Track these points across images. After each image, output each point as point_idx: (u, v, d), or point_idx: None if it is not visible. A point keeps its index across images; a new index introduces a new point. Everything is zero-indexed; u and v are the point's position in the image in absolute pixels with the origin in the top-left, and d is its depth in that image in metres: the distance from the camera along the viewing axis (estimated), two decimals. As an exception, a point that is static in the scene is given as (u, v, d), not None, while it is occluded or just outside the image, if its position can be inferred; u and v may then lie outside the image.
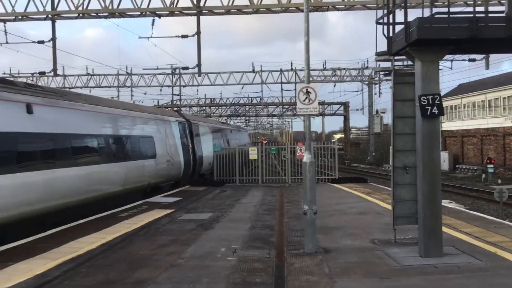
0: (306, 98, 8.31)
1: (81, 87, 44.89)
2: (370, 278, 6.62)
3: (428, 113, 7.50)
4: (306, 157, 8.25)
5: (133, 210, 13.58)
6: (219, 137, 29.80)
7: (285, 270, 7.15)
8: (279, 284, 6.46)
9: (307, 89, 8.30)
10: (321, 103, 57.31)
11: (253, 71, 46.40)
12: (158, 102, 55.94)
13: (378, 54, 8.91)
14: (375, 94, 51.49)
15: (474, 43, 7.49)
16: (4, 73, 41.47)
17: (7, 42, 22.17)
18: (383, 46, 8.60)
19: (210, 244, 8.97)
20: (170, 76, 45.21)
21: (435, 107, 7.51)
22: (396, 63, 9.17)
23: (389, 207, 12.51)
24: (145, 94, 49.56)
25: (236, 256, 8.00)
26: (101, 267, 7.41)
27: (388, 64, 10.30)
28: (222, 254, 8.19)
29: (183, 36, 22.46)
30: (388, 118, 49.92)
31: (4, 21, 20.98)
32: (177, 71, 43.12)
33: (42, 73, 32.17)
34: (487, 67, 24.79)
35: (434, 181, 7.65)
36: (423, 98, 7.52)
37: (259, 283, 6.48)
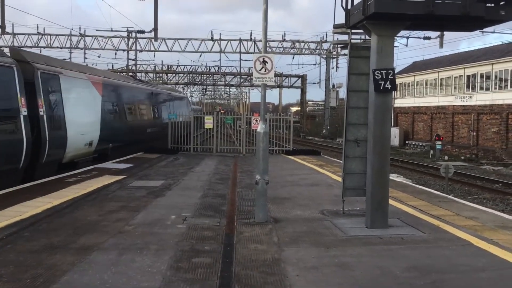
0: (262, 67, 8.22)
1: (31, 47, 42.93)
2: (317, 247, 6.73)
3: (381, 88, 7.58)
4: (260, 127, 8.21)
5: (82, 175, 13.26)
6: (121, 100, 19.94)
7: (234, 238, 7.17)
8: (228, 252, 6.47)
9: (263, 59, 8.20)
10: (279, 75, 57.32)
11: (212, 39, 45.65)
12: (112, 66, 54.48)
13: (335, 26, 8.93)
14: (332, 68, 51.87)
15: (430, 19, 7.57)
16: None
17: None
18: (342, 19, 8.61)
19: (160, 211, 8.88)
20: (126, 40, 43.88)
21: (388, 82, 7.60)
22: (353, 37, 9.20)
23: (340, 179, 12.77)
24: (99, 57, 48.05)
25: (186, 224, 7.96)
26: (45, 232, 7.20)
27: (345, 38, 10.30)
28: (172, 221, 8.12)
29: (140, -2, 21.71)
30: (344, 93, 50.59)
31: None
32: (133, 34, 41.91)
33: (-12, 30, 30.47)
34: (441, 45, 25.32)
35: (384, 155, 7.80)
36: (377, 73, 7.58)
37: (208, 251, 6.47)
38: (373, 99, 7.73)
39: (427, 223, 8.18)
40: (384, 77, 7.56)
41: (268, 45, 45.00)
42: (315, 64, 53.36)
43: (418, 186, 13.45)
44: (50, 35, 44.17)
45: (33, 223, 7.73)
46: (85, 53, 44.65)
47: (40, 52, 39.20)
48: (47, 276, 5.37)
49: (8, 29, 40.43)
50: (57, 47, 44.23)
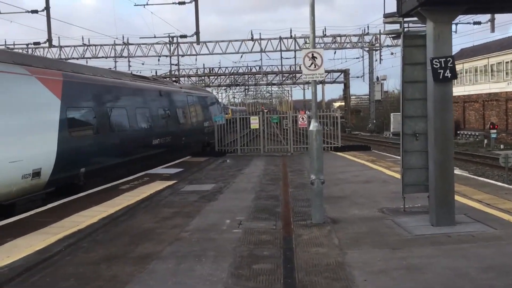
0: (312, 63, 7.93)
1: (77, 58, 44.16)
2: (381, 248, 6.40)
3: (441, 77, 7.15)
4: (313, 125, 7.93)
5: (134, 182, 13.35)
6: (101, 104, 14.17)
7: (293, 241, 6.92)
8: (288, 256, 6.24)
9: (313, 54, 7.91)
10: (321, 71, 56.56)
11: (252, 39, 45.59)
12: (156, 72, 55.31)
13: (386, 16, 8.50)
14: (376, 60, 50.80)
15: (488, 2, 7.08)
16: (-1, 45, 40.68)
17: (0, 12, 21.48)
18: (391, 8, 8.22)
19: (214, 216, 8.75)
20: (168, 45, 44.43)
21: (448, 70, 7.16)
22: (395, 26, 8.78)
23: (395, 174, 12.31)
24: (142, 64, 48.91)
25: (242, 228, 7.78)
26: (103, 242, 7.19)
27: (395, 27, 9.87)
28: (227, 226, 7.96)
29: (180, 3, 21.83)
30: (388, 85, 49.46)
31: (-5, -10, 20.32)
32: (175, 40, 42.37)
33: (36, 44, 31.53)
34: (493, 30, 24.14)
35: (446, 147, 7.36)
36: (435, 61, 7.16)
37: (267, 256, 6.26)
38: (432, 90, 7.30)
39: (497, 218, 7.67)
40: (443, 66, 7.13)
41: (308, 41, 44.74)
42: (357, 58, 52.47)
43: (480, 178, 12.79)
44: (95, 45, 45.27)
45: (90, 233, 7.74)
46: (129, 61, 45.59)
47: (86, 63, 40.16)
48: (108, 288, 5.29)
49: (55, 42, 41.74)
50: (102, 57, 45.30)
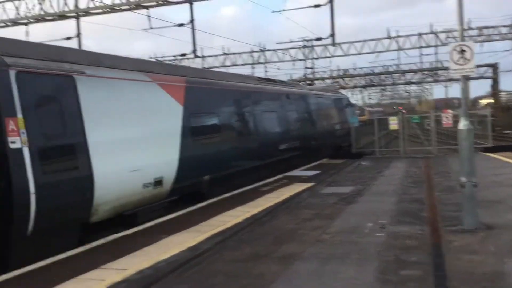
0: (460, 57, 7.41)
1: (218, 67, 46.62)
2: (548, 259, 5.73)
3: None
4: (463, 124, 7.39)
5: (274, 184, 13.66)
6: (220, 109, 13.46)
7: (442, 248, 6.51)
8: (438, 263, 5.87)
9: (461, 48, 7.39)
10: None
11: (389, 37, 44.05)
12: (291, 76, 56.20)
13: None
14: (531, 52, 45.90)
15: None
16: (150, 57, 44.58)
17: (151, 28, 23.51)
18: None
19: (355, 218, 8.59)
20: (303, 49, 44.90)
21: None
22: None
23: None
24: (278, 69, 49.98)
25: (385, 232, 7.52)
26: (248, 241, 7.44)
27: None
28: (370, 229, 7.76)
29: (316, 6, 21.92)
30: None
31: (147, 7, 22.27)
32: (310, 43, 42.65)
33: (183, 55, 33.97)
34: None
35: None
36: None
37: (415, 262, 5.96)
38: None
39: None
40: None
41: (451, 35, 41.77)
42: (508, 50, 47.87)
43: None
44: (234, 54, 47.40)
45: (236, 232, 8.07)
46: (265, 67, 46.94)
47: (227, 70, 42.20)
48: (255, 285, 5.45)
49: (199, 52, 44.59)
50: (241, 64, 47.25)
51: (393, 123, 20.70)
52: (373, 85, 63.13)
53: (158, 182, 9.94)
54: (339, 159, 20.23)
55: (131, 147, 9.28)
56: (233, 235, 7.85)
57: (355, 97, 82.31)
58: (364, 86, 63.25)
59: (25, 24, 23.59)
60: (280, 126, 17.27)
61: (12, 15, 21.50)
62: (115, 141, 8.84)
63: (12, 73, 7.18)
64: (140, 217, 9.36)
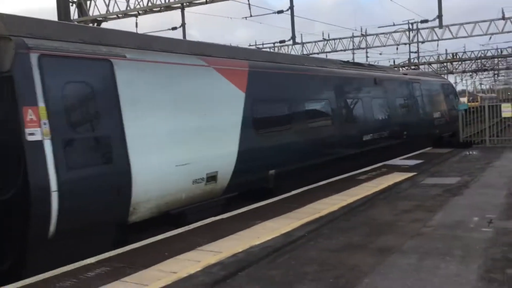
0: None
1: (318, 53, 46.14)
2: None
3: None
4: None
5: (372, 173, 13.26)
6: (292, 97, 11.96)
7: (558, 248, 5.91)
8: (555, 265, 5.34)
9: None
10: None
11: (503, 18, 40.72)
12: (394, 61, 54.21)
13: None
14: None
15: None
16: (250, 44, 45.24)
17: (250, 15, 23.76)
18: None
19: (459, 212, 8.07)
20: (407, 32, 42.98)
21: None
22: None
23: None
24: (380, 54, 48.42)
25: (493, 227, 6.99)
26: (343, 230, 7.28)
27: None
28: (475, 224, 7.25)
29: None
30: None
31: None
32: (415, 26, 40.72)
33: (282, 42, 34.02)
34: None
35: None
36: None
37: (526, 262, 5.47)
38: None
39: None
40: None
41: None
42: None
43: None
44: (334, 39, 46.59)
45: (331, 220, 7.94)
46: (367, 52, 45.65)
47: (326, 56, 41.65)
48: (349, 277, 5.32)
49: (298, 39, 44.43)
50: (341, 50, 46.37)
51: (506, 110, 19.14)
52: (485, 70, 58.94)
53: (212, 178, 8.98)
54: (445, 148, 19.15)
55: (179, 140, 8.38)
56: (328, 223, 7.73)
57: (465, 83, 77.37)
58: (475, 71, 59.30)
59: (135, 16, 24.97)
60: (365, 115, 15.44)
61: (123, 7, 22.81)
62: (159, 133, 7.97)
63: (34, 57, 6.40)
64: (189, 216, 8.43)
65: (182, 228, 7.80)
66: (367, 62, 20.09)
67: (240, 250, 6.42)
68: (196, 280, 5.42)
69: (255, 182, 10.38)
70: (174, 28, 27.91)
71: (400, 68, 42.17)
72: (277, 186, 10.84)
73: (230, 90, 9.89)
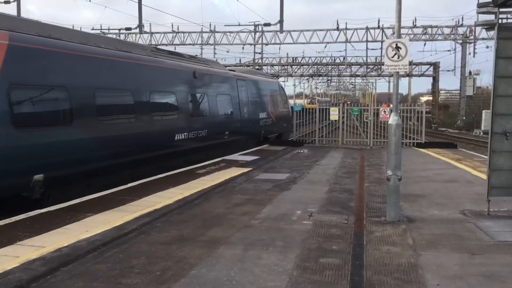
0: (395, 54, 7.58)
1: (166, 45, 45.67)
2: (459, 253, 6.02)
3: (539, 72, 6.56)
4: (392, 119, 7.61)
5: (211, 167, 13.60)
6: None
7: (364, 238, 6.71)
8: (357, 253, 6.05)
9: (396, 44, 7.56)
10: (409, 63, 54.50)
11: (338, 29, 44.70)
12: (240, 60, 56.00)
13: (480, 5, 7.97)
14: (469, 54, 48.01)
15: None
16: (93, 29, 42.94)
17: (95, -1, 22.64)
18: (486, -4, 7.66)
19: (286, 206, 8.69)
20: (253, 34, 44.76)
21: (548, 66, 6.55)
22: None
23: (481, 175, 11.57)
24: (227, 52, 49.64)
25: (312, 220, 7.66)
26: (176, 223, 7.37)
27: (489, 18, 9.19)
28: (298, 217, 7.88)
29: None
30: (481, 81, 46.52)
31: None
32: (259, 28, 42.60)
33: (128, 29, 33.02)
34: None
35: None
36: (534, 55, 6.57)
37: (336, 251, 6.10)
38: (527, 86, 6.71)
39: None
40: (542, 60, 6.53)
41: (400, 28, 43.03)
42: (449, 50, 49.72)
43: None
44: (183, 32, 46.58)
45: (165, 213, 7.97)
46: (214, 48, 46.44)
47: (175, 49, 41.43)
48: (176, 269, 5.40)
49: (146, 28, 43.45)
50: (190, 44, 46.53)
51: (334, 113, 21.08)
52: (320, 75, 63.91)
53: None
54: (280, 146, 20.41)
55: None
56: (162, 216, 7.75)
57: (302, 86, 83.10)
58: (311, 75, 63.92)
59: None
60: (179, 112, 14.11)
61: None
62: None
63: None
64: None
65: (2, 220, 7.17)
66: (189, 54, 18.04)
67: (66, 245, 6.12)
68: (12, 277, 5.04)
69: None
70: (7, 2, 25.37)
71: (251, 68, 43.65)
72: (55, 194, 9.09)
73: None
